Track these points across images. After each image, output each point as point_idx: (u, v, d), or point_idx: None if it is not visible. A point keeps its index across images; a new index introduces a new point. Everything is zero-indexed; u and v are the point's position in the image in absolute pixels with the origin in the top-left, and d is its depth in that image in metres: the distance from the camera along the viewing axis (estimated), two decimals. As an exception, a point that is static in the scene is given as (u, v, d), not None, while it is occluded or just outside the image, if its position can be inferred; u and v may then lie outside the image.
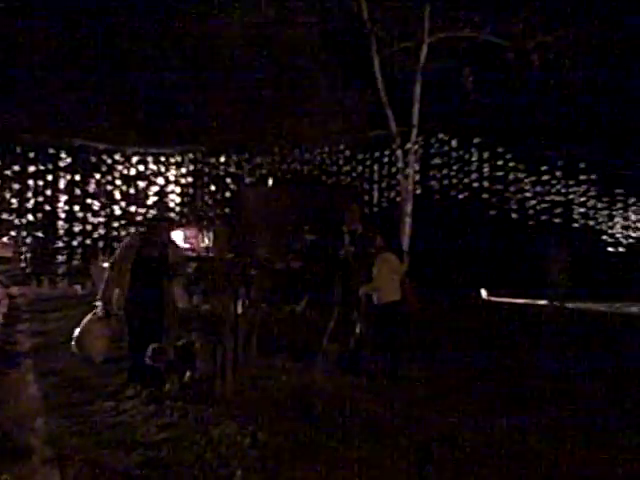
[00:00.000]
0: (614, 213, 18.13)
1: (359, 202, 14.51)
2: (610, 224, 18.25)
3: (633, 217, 18.41)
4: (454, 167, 16.53)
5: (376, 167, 16.44)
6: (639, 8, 14.65)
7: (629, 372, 8.29)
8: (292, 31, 14.90)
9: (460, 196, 16.71)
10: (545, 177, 17.06)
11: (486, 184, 16.63)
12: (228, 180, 16.71)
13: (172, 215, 16.49)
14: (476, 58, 15.65)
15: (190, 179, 16.91)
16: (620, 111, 17.67)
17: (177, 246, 8.34)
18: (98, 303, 7.52)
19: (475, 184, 16.60)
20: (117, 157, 16.74)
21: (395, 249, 8.33)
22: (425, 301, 13.01)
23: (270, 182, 17.19)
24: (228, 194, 16.72)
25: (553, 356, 9.23)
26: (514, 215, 16.94)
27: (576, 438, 5.46)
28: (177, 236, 17.02)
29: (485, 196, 16.71)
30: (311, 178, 16.43)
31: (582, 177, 17.19)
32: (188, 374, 6.75)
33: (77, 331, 7.80)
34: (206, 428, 5.37)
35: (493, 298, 18.34)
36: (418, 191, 15.90)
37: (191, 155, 16.64)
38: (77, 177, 16.54)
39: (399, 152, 15.59)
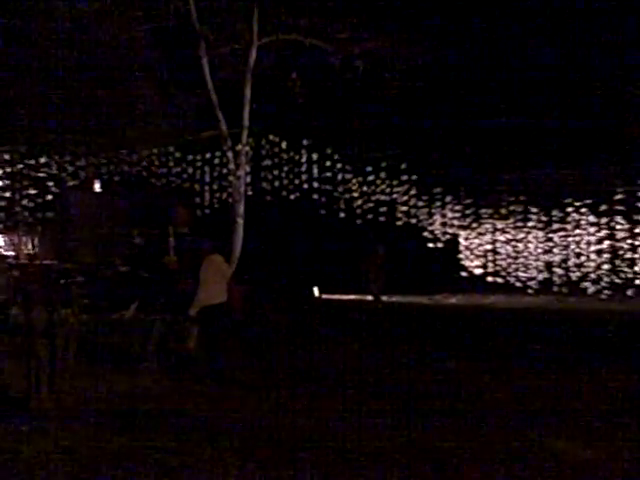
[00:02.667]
0: (433, 211, 19.44)
1: (189, 204, 14.36)
2: (430, 221, 19.53)
3: (450, 215, 19.83)
4: (285, 168, 16.82)
5: (207, 169, 16.32)
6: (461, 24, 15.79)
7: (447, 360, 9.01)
8: (118, 28, 14.36)
9: (291, 197, 17.06)
10: (370, 178, 17.88)
11: (316, 185, 17.10)
12: (50, 183, 15.81)
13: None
14: (304, 61, 16.00)
15: (7, 182, 15.81)
16: (440, 115, 18.97)
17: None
18: None
19: (305, 185, 17.01)
20: None
21: (223, 251, 8.36)
22: (257, 302, 13.21)
23: (97, 185, 16.53)
24: (50, 197, 15.83)
25: (371, 349, 9.84)
26: (342, 214, 17.59)
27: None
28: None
29: (315, 196, 17.19)
30: (140, 180, 15.99)
31: (404, 177, 18.21)
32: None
33: None
34: (17, 447, 5.08)
35: (325, 296, 18.94)
36: (250, 192, 15.98)
37: (7, 156, 15.55)
38: None
39: (230, 153, 15.55)
